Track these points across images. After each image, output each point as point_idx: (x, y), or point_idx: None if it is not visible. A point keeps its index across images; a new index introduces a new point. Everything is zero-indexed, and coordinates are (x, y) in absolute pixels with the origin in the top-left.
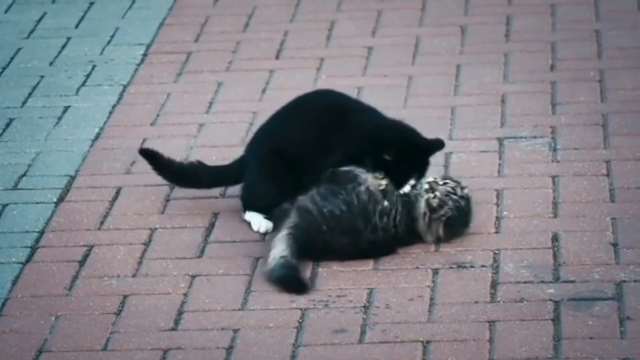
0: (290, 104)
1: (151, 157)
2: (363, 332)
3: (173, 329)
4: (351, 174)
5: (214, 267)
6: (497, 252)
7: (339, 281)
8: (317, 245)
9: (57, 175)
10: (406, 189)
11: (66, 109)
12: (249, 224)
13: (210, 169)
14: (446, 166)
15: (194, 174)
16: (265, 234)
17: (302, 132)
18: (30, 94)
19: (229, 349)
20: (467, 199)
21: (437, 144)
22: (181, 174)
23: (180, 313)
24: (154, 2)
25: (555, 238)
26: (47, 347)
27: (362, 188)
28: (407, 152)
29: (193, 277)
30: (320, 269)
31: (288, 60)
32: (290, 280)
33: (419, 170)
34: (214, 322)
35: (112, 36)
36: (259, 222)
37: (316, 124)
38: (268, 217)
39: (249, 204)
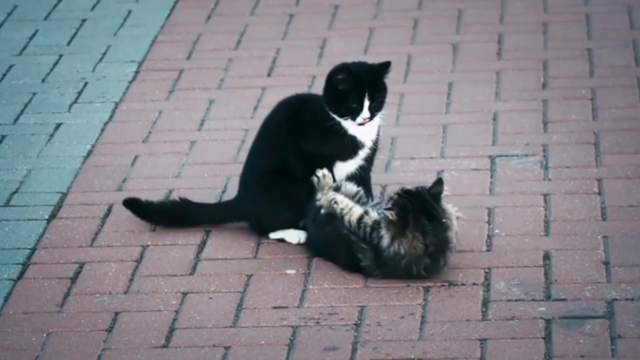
0: (262, 123)
1: (133, 205)
2: (354, 350)
3: (164, 346)
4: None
5: (205, 285)
6: (488, 270)
7: (330, 299)
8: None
9: (49, 192)
10: (374, 127)
11: (58, 126)
12: (281, 240)
13: (197, 206)
14: None
15: (179, 212)
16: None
17: (278, 140)
18: (22, 111)
19: None
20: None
21: (385, 63)
22: (165, 214)
23: (171, 330)
24: (146, 19)
25: (546, 256)
26: None
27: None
28: (356, 74)
29: (184, 294)
30: (311, 287)
31: (280, 77)
32: None
33: (376, 92)
34: (205, 340)
35: (104, 53)
36: (296, 234)
37: (284, 126)
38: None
39: (273, 226)
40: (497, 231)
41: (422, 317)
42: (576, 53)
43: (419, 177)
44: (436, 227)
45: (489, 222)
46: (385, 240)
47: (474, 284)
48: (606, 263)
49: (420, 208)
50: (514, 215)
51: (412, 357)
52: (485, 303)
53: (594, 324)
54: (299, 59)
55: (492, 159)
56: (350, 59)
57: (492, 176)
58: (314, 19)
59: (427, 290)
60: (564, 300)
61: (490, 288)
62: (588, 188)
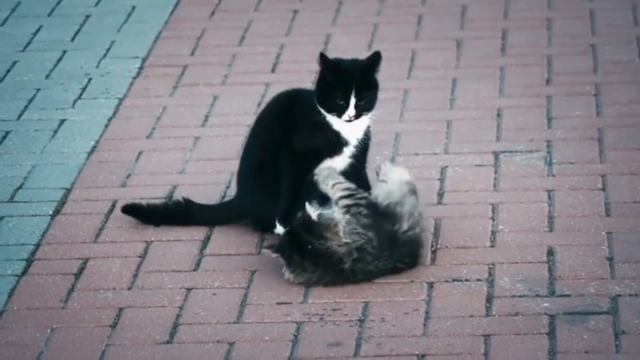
0: (256, 119)
1: (133, 211)
2: (358, 346)
3: (168, 342)
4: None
5: (209, 280)
6: (492, 266)
7: (334, 294)
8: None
9: (53, 188)
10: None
11: (62, 122)
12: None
13: (199, 207)
14: (442, 180)
15: (181, 212)
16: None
17: (267, 132)
18: (26, 107)
19: None
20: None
21: (375, 57)
22: (167, 216)
23: (175, 326)
24: (150, 15)
25: (550, 252)
26: None
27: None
28: (344, 70)
29: (188, 290)
30: None
31: (284, 73)
32: None
33: (364, 90)
34: (209, 335)
35: (108, 49)
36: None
37: (276, 121)
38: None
39: (272, 222)
40: (501, 227)
41: (426, 313)
42: (580, 49)
43: (423, 173)
44: (309, 257)
45: (492, 218)
46: (287, 276)
47: (477, 280)
48: (610, 259)
49: (294, 245)
50: (518, 211)
51: (416, 352)
52: (489, 299)
53: (597, 320)
54: (302, 55)
55: (496, 155)
56: (354, 56)
57: (496, 172)
58: (317, 15)
59: (430, 286)
60: (568, 296)
61: (494, 284)
62: (592, 184)
